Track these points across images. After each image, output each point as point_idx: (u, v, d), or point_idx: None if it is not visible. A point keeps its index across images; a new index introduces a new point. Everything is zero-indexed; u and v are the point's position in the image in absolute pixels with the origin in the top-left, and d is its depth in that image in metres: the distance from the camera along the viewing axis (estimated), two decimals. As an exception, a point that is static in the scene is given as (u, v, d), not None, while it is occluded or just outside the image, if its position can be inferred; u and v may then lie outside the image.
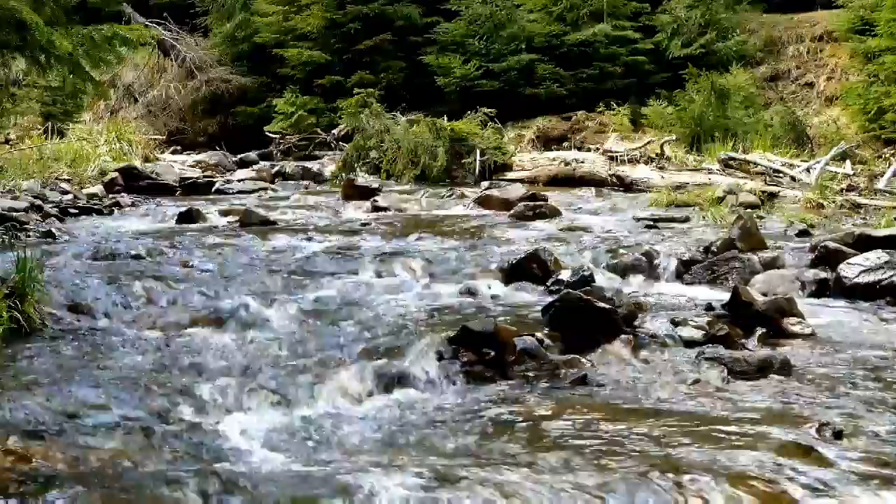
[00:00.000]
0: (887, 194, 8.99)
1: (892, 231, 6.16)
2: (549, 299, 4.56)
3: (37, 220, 7.80)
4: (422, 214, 8.99)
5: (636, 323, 4.38)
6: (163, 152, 15.53)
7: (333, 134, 15.60)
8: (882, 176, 9.51)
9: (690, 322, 4.37)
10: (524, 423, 3.30)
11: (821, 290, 5.41)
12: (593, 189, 10.78)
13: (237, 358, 3.98)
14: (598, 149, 12.65)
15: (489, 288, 5.51)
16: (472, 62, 15.88)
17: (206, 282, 5.44)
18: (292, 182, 12.53)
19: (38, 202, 8.57)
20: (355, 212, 9.12)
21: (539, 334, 4.07)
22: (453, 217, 8.72)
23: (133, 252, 6.22)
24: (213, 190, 11.09)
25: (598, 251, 6.43)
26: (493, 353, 3.91)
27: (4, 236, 6.77)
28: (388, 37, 16.96)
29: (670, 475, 2.72)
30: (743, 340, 4.30)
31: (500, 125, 13.31)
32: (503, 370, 3.85)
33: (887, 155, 11.39)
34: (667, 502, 2.61)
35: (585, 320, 4.20)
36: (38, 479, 2.68)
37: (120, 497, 2.62)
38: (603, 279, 5.62)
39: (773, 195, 9.29)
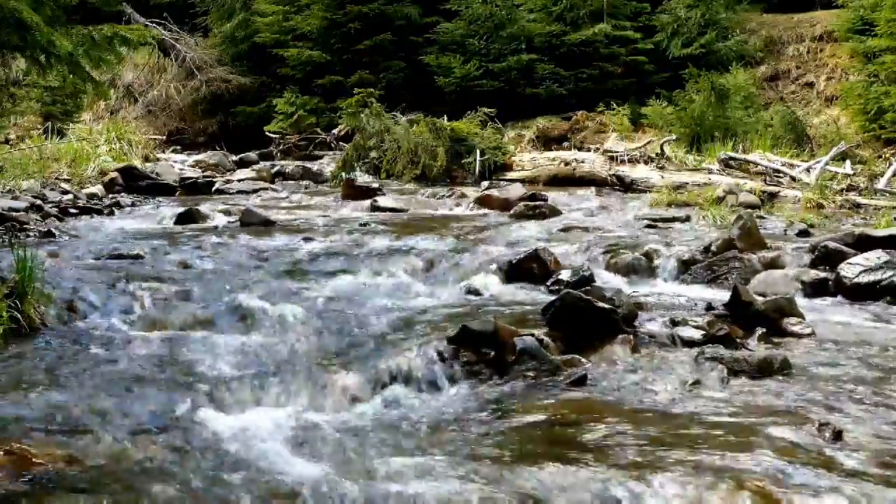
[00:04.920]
0: (887, 194, 9.00)
1: (892, 231, 6.15)
2: (549, 299, 4.55)
3: (37, 220, 7.80)
4: (421, 214, 8.98)
5: (636, 323, 4.38)
6: (163, 152, 15.56)
7: (333, 134, 15.61)
8: (882, 176, 9.52)
9: (690, 322, 4.36)
10: (524, 423, 3.30)
11: (821, 290, 5.39)
12: (593, 189, 10.79)
13: (237, 358, 3.98)
14: (598, 149, 12.64)
15: (489, 288, 5.51)
16: (472, 62, 15.89)
17: (206, 282, 5.44)
18: (292, 182, 12.54)
19: (38, 202, 8.58)
20: (355, 212, 9.12)
21: (539, 334, 4.06)
22: (453, 217, 8.72)
23: (133, 252, 6.23)
24: (213, 190, 11.10)
25: (598, 251, 6.40)
26: (492, 353, 3.90)
27: (4, 236, 6.77)
28: (388, 37, 16.97)
29: (670, 475, 2.73)
30: (743, 340, 4.30)
31: (499, 125, 13.32)
32: (503, 370, 3.84)
33: (887, 155, 11.39)
34: (666, 503, 2.61)
35: (585, 320, 4.19)
36: (38, 479, 2.68)
37: (121, 497, 2.62)
38: (603, 279, 5.62)
39: (773, 195, 9.30)
